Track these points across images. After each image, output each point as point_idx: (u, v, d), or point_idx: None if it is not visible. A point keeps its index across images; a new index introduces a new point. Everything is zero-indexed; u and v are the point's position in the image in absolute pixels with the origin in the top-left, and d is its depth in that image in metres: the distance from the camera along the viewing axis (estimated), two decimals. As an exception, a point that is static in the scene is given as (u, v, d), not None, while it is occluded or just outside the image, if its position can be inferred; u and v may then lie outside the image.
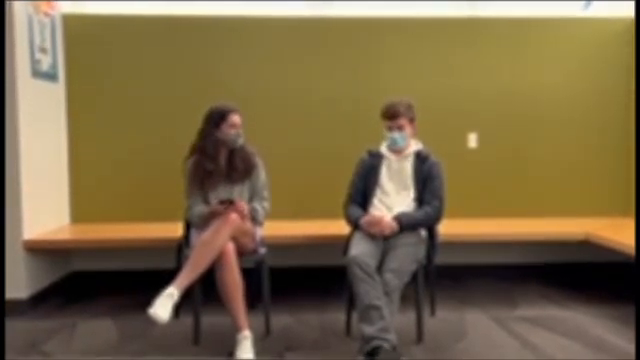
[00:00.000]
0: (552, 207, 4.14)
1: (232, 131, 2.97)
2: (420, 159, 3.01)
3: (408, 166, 3.01)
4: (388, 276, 2.63)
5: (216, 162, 2.98)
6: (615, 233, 3.48)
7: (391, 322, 2.55)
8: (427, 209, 2.90)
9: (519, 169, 4.16)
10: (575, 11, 4.10)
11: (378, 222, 2.80)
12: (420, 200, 2.96)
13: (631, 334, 2.93)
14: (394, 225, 2.80)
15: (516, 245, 4.05)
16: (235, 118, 2.98)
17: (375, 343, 2.48)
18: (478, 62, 4.10)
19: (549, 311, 3.34)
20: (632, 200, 4.13)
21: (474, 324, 3.12)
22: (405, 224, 2.82)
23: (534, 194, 4.16)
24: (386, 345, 2.47)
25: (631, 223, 3.91)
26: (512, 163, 4.16)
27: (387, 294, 2.60)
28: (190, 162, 3.02)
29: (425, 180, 2.96)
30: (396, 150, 3.02)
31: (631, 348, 2.75)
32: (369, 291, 2.57)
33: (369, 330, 2.51)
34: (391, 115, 2.96)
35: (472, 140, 4.13)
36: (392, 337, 2.51)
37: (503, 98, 4.12)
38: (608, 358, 2.65)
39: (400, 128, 2.96)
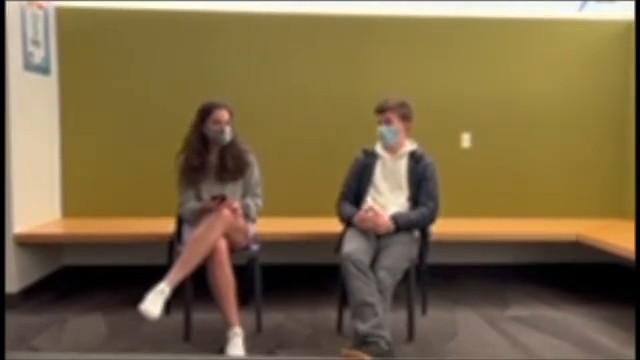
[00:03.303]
0: (544, 208, 4.16)
1: (216, 127, 2.94)
2: (414, 159, 3.01)
3: (402, 166, 3.01)
4: (382, 274, 2.63)
5: (203, 157, 2.97)
6: (606, 234, 3.50)
7: (384, 319, 2.55)
8: (423, 210, 2.91)
9: (512, 169, 4.18)
10: (570, 12, 4.11)
11: (374, 216, 2.80)
12: (414, 200, 2.96)
13: (621, 335, 2.95)
14: (390, 225, 2.81)
15: (508, 245, 4.07)
16: (220, 114, 2.95)
17: (369, 340, 2.48)
18: (472, 62, 4.11)
19: (540, 311, 3.35)
20: (623, 202, 4.16)
21: (465, 323, 3.13)
22: (401, 224, 2.83)
23: (526, 194, 4.17)
24: (381, 342, 2.47)
25: (622, 224, 3.94)
26: (505, 163, 4.17)
27: (380, 292, 2.60)
28: (182, 158, 3.01)
29: (420, 180, 2.96)
30: (392, 146, 3.03)
31: (620, 349, 2.77)
32: (362, 288, 2.57)
33: (363, 327, 2.51)
34: (379, 109, 2.99)
35: (465, 140, 4.14)
36: (386, 334, 2.51)
37: (497, 98, 4.13)
38: (598, 358, 2.67)
39: (388, 122, 2.96)
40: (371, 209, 2.84)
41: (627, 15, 4.10)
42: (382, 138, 3.01)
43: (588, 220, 4.03)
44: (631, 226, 3.84)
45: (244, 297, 2.94)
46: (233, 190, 3.02)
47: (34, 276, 3.59)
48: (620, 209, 4.18)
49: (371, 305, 2.54)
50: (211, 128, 2.95)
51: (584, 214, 4.16)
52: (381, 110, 2.98)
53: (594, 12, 4.11)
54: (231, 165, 3.00)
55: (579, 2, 4.07)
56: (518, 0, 4.05)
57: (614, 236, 3.45)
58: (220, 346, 2.69)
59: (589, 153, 4.19)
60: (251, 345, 2.71)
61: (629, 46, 4.12)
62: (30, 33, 3.52)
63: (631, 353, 2.71)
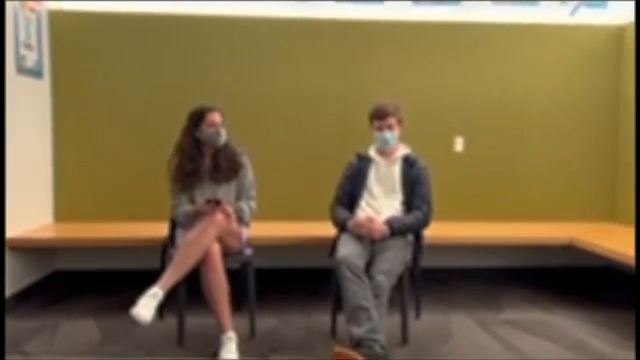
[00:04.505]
0: (537, 211, 4.18)
1: (211, 130, 2.96)
2: (408, 163, 3.02)
3: (396, 170, 3.02)
4: (380, 278, 2.63)
5: (196, 162, 2.97)
6: (599, 238, 3.52)
7: (379, 323, 2.55)
8: (417, 214, 2.92)
9: (505, 173, 4.19)
10: (562, 17, 4.14)
11: (369, 222, 2.81)
12: (408, 204, 2.97)
13: (613, 337, 2.96)
14: (385, 229, 2.81)
15: (501, 249, 4.08)
16: (213, 117, 2.96)
17: (364, 344, 2.47)
18: (466, 67, 4.13)
19: (533, 315, 3.36)
20: (616, 205, 4.19)
21: (459, 327, 3.13)
22: (396, 229, 2.84)
23: (519, 198, 4.19)
24: (376, 346, 2.47)
25: (615, 228, 3.96)
26: (498, 167, 4.19)
27: (377, 296, 2.59)
28: (174, 163, 3.01)
29: (413, 184, 2.97)
30: (386, 151, 3.03)
31: (613, 351, 2.78)
32: (357, 292, 2.57)
33: (358, 331, 2.51)
34: (381, 114, 2.98)
35: (459, 144, 4.16)
36: (381, 337, 2.51)
37: (490, 103, 4.15)
38: (590, 361, 2.69)
39: (390, 127, 2.98)
40: (370, 220, 2.83)
41: (618, 20, 4.14)
42: (385, 144, 3.01)
43: (581, 223, 4.05)
44: (624, 229, 3.88)
45: (238, 301, 2.94)
46: (227, 191, 3.02)
47: (26, 281, 3.57)
48: (612, 212, 4.21)
49: (366, 309, 2.53)
50: (206, 131, 2.95)
51: (577, 217, 4.18)
52: (383, 115, 2.98)
53: (586, 17, 4.15)
54: (224, 166, 3.00)
55: (572, 6, 4.10)
56: (512, 3, 4.09)
57: (607, 239, 3.47)
58: (213, 351, 2.68)
59: (581, 156, 4.22)
60: (245, 349, 2.70)
61: (620, 50, 4.16)
62: (22, 36, 3.50)
63: (623, 354, 2.73)
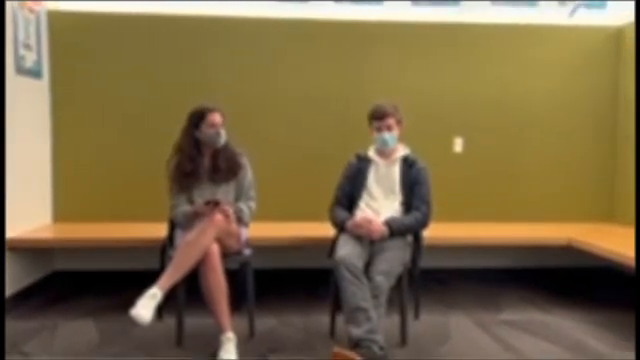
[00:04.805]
0: (536, 212, 4.18)
1: (211, 130, 2.95)
2: (407, 164, 3.02)
3: (395, 171, 3.02)
4: (379, 278, 2.63)
5: (195, 162, 2.97)
6: (597, 238, 3.52)
7: (378, 323, 2.55)
8: (416, 215, 2.92)
9: (504, 173, 4.20)
10: (561, 18, 4.15)
11: (368, 222, 2.81)
12: (407, 204, 2.97)
13: (612, 338, 2.97)
14: (384, 230, 2.81)
15: (500, 249, 4.09)
16: (214, 117, 2.96)
17: (363, 344, 2.48)
18: (465, 67, 4.14)
19: (532, 315, 3.36)
20: (614, 206, 4.19)
21: (458, 327, 3.13)
22: (395, 229, 2.84)
23: (519, 198, 4.20)
24: (374, 347, 2.47)
25: (613, 228, 3.97)
26: (497, 168, 4.19)
27: (376, 296, 2.59)
28: (173, 163, 3.01)
29: (412, 185, 2.97)
30: (385, 152, 3.03)
31: (612, 352, 2.78)
32: (356, 293, 2.57)
33: (357, 332, 2.51)
34: (380, 115, 2.97)
35: (458, 145, 4.16)
36: (380, 338, 2.51)
37: (489, 103, 4.15)
38: (589, 362, 2.69)
39: (389, 128, 2.97)
40: (369, 221, 2.83)
41: (618, 20, 4.14)
42: (384, 144, 3.00)
43: (580, 224, 4.06)
44: (622, 230, 3.88)
45: (237, 302, 2.93)
46: (226, 192, 3.01)
47: (25, 281, 3.57)
48: (611, 213, 4.21)
49: (365, 310, 2.54)
50: (206, 132, 2.95)
51: (576, 218, 4.18)
52: (382, 116, 2.97)
53: (585, 17, 4.15)
54: (223, 166, 3.00)
55: (571, 6, 4.11)
56: (511, 4, 4.09)
57: (605, 240, 3.47)
58: (212, 351, 2.67)
59: (581, 157, 4.23)
60: (244, 350, 2.70)
61: (620, 51, 4.16)
62: (22, 37, 3.50)
63: (622, 355, 2.73)
